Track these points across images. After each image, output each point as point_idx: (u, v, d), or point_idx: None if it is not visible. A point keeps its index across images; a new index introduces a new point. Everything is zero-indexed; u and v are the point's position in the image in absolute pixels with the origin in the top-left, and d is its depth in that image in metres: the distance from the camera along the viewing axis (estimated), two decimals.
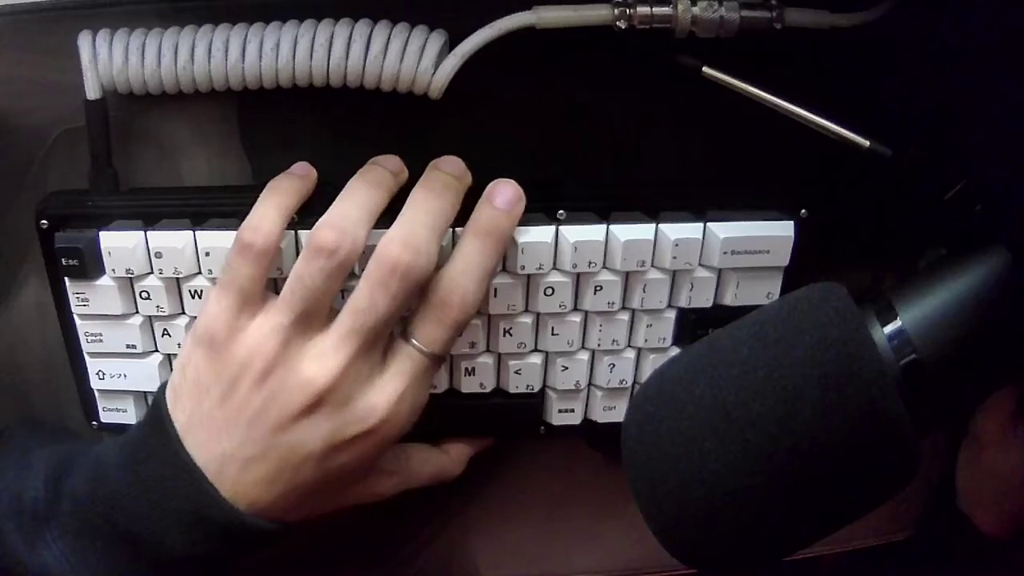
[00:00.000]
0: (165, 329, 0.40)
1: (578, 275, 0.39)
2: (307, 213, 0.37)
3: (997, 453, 0.36)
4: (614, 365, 0.42)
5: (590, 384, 0.43)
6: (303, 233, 0.37)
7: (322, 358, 0.33)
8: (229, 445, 0.34)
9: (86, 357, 0.41)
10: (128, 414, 0.42)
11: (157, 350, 0.41)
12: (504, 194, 0.36)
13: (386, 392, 0.35)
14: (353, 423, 0.34)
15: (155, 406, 0.36)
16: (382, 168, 0.37)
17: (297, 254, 0.37)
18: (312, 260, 0.33)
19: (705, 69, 0.38)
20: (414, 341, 0.35)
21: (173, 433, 0.34)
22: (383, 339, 0.35)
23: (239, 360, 0.34)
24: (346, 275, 0.34)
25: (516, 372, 0.41)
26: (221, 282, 0.35)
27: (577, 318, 0.40)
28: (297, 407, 0.34)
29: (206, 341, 0.35)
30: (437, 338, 0.35)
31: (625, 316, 0.40)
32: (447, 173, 0.37)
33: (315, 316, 0.34)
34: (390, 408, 0.35)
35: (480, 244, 0.35)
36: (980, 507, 0.38)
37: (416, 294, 0.35)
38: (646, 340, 0.41)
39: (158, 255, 0.38)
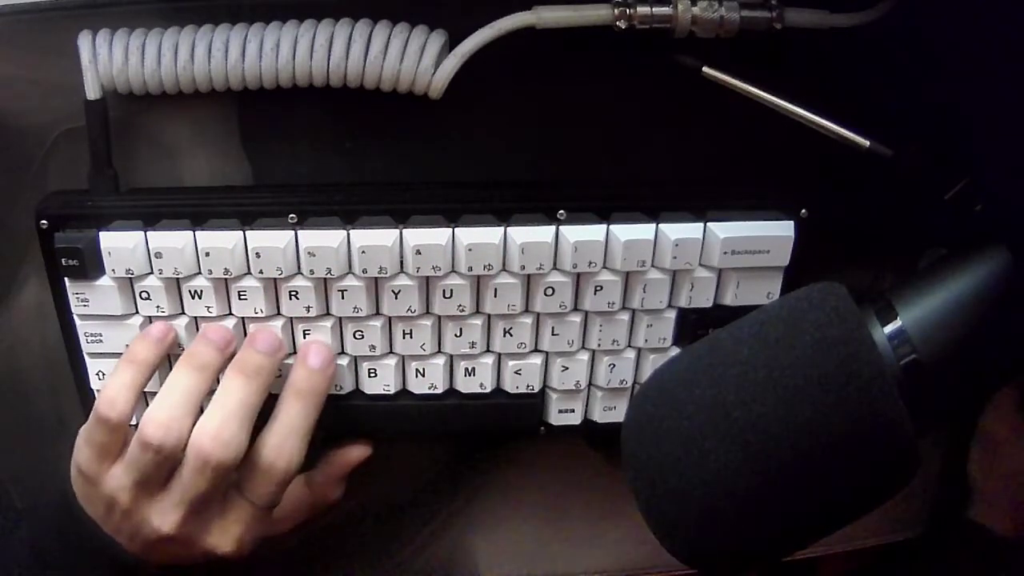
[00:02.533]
0: None
1: (578, 275, 0.39)
2: (307, 215, 0.38)
3: (1012, 450, 0.36)
4: (614, 365, 0.42)
5: (590, 384, 0.43)
6: (302, 234, 0.38)
7: (164, 513, 0.37)
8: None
9: (86, 357, 0.41)
10: None
11: None
12: (318, 355, 0.39)
13: (226, 537, 0.39)
14: (201, 556, 0.39)
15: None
16: (206, 347, 0.38)
17: (296, 253, 0.38)
18: (143, 452, 0.36)
19: (705, 69, 0.38)
20: (247, 495, 0.39)
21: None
22: (218, 495, 0.38)
23: (105, 499, 0.38)
24: (177, 459, 0.37)
25: (516, 372, 0.41)
26: (86, 433, 0.38)
27: (577, 318, 0.40)
28: (154, 540, 0.38)
29: (80, 476, 0.38)
30: (267, 492, 0.39)
31: (625, 316, 0.40)
32: (261, 353, 0.38)
33: (154, 481, 0.37)
34: (232, 548, 0.39)
35: (300, 406, 0.39)
36: (998, 508, 0.38)
37: (233, 470, 0.38)
38: (646, 340, 0.41)
39: (158, 255, 0.38)
